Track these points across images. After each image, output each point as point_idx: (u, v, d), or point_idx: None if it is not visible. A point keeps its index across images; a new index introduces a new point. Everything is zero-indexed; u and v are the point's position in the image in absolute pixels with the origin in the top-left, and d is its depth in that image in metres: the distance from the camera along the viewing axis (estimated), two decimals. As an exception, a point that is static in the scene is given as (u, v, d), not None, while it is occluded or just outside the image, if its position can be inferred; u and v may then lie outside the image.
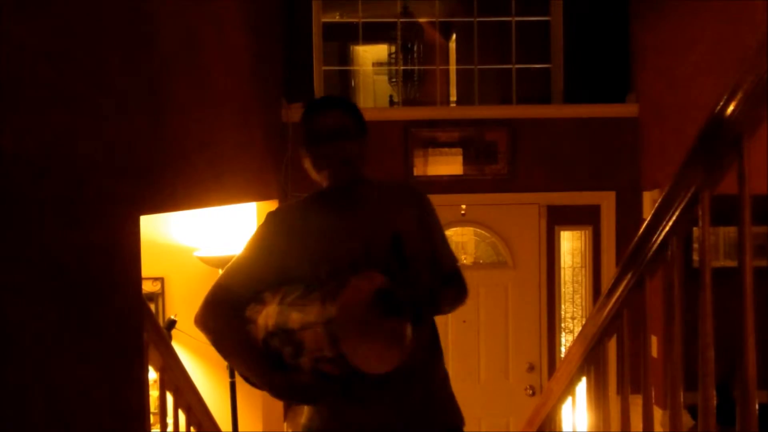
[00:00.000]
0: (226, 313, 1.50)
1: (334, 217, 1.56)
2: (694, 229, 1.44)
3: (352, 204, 1.58)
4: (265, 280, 1.51)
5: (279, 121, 3.58)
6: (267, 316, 1.44)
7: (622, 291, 1.74)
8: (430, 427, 1.58)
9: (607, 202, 3.76)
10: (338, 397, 1.51)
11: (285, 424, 3.50)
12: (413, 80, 4.72)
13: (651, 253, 1.56)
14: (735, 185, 1.20)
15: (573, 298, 3.91)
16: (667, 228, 1.47)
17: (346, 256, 1.49)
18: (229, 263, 1.56)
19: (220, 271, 3.12)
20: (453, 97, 4.70)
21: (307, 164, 1.56)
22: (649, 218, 1.54)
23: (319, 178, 1.56)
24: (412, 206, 1.65)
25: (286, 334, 1.39)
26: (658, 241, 1.52)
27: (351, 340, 1.33)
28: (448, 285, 1.68)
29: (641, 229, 1.59)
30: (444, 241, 1.72)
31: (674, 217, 1.44)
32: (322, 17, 3.95)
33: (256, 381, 1.49)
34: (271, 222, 1.57)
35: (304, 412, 1.63)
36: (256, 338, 1.45)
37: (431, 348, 1.63)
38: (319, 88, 3.90)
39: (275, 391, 1.47)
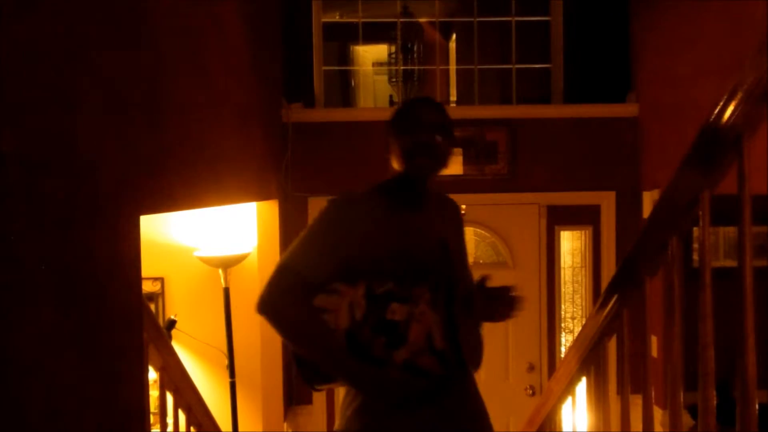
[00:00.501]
0: (301, 299, 1.42)
1: (407, 214, 1.56)
2: (694, 229, 1.44)
3: (419, 203, 1.60)
4: (334, 267, 1.45)
5: (279, 121, 3.58)
6: (354, 305, 1.40)
7: (622, 291, 1.74)
8: None
9: (607, 202, 3.75)
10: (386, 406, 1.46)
11: (285, 424, 3.50)
12: (413, 80, 4.72)
13: (651, 253, 1.56)
14: (735, 185, 1.20)
15: (573, 298, 3.91)
16: (667, 228, 1.47)
17: (424, 255, 1.52)
18: (292, 248, 1.48)
19: (221, 272, 3.14)
20: (453, 97, 4.70)
21: (395, 150, 1.55)
22: (649, 218, 1.54)
23: (402, 167, 1.55)
24: (453, 217, 1.73)
25: (383, 325, 1.39)
26: (658, 241, 1.52)
27: (464, 336, 1.42)
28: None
29: (641, 229, 1.59)
30: (467, 259, 1.77)
31: (674, 217, 1.44)
32: (322, 17, 3.95)
33: (341, 376, 1.45)
34: (343, 208, 1.54)
35: (340, 415, 1.56)
36: (334, 329, 1.42)
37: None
38: (319, 88, 3.90)
39: (357, 383, 1.44)
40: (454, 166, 3.72)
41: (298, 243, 1.49)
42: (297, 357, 1.51)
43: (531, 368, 3.82)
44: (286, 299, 1.43)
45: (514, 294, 1.53)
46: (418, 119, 1.55)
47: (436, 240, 1.57)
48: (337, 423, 1.57)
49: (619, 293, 1.76)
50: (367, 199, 1.57)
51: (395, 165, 1.57)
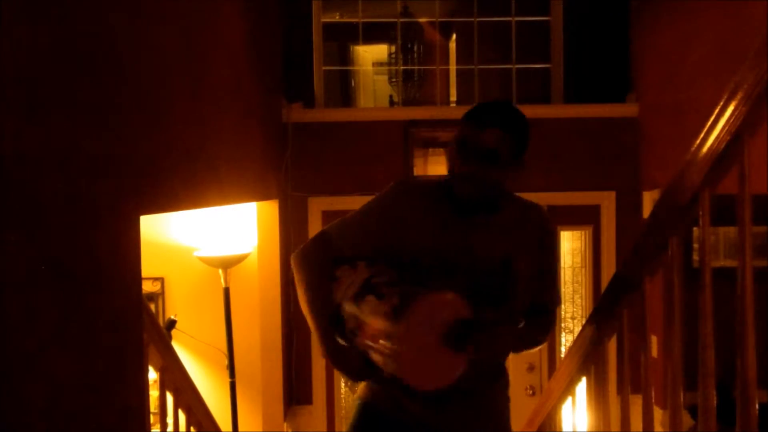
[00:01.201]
0: (321, 260, 1.51)
1: (455, 214, 1.49)
2: (694, 229, 1.44)
3: (476, 207, 1.50)
4: (363, 245, 1.51)
5: (279, 121, 3.58)
6: (351, 283, 1.44)
7: (622, 291, 1.74)
8: None
9: (607, 202, 3.75)
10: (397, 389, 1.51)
11: (285, 424, 3.50)
12: (413, 80, 4.71)
13: (651, 253, 1.56)
14: (735, 185, 1.20)
15: (573, 298, 3.91)
16: (667, 228, 1.48)
17: (451, 260, 1.45)
18: (341, 221, 1.56)
19: (221, 272, 3.14)
20: (453, 97, 4.70)
21: (448, 163, 1.49)
22: (649, 218, 1.54)
23: (452, 182, 1.48)
24: (535, 229, 1.55)
25: (354, 313, 1.41)
26: (658, 241, 1.52)
27: (407, 360, 1.32)
28: (532, 322, 1.55)
29: (641, 229, 1.59)
30: (553, 278, 1.61)
31: (674, 217, 1.44)
32: (322, 17, 3.95)
33: (316, 335, 1.51)
34: (396, 193, 1.54)
35: (361, 386, 1.64)
36: (333, 297, 1.46)
37: (492, 375, 1.60)
38: (319, 88, 3.90)
39: (326, 350, 1.49)
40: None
41: (349, 217, 1.56)
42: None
43: (531, 368, 3.82)
44: (312, 256, 1.54)
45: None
46: (477, 138, 1.42)
47: (492, 252, 1.47)
48: (358, 390, 1.66)
49: (619, 293, 1.76)
50: (426, 190, 1.54)
51: (448, 167, 1.50)
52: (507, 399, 1.67)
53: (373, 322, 1.35)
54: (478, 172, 1.42)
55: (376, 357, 1.36)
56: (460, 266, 1.45)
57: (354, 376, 1.54)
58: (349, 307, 1.41)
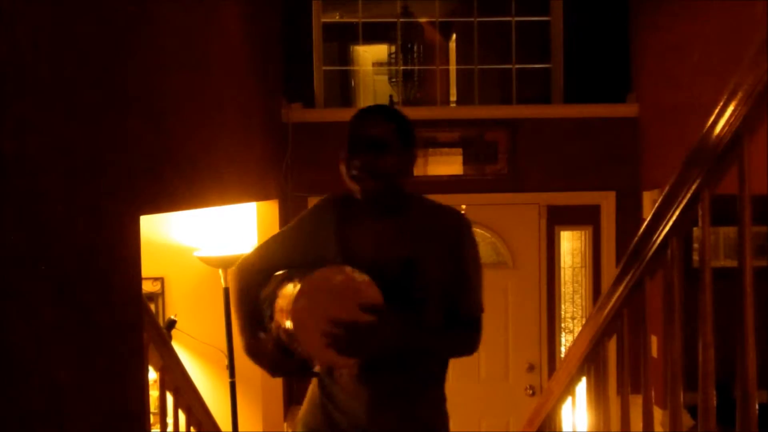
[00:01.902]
0: (245, 279, 1.63)
1: (357, 224, 1.55)
2: (694, 229, 1.44)
3: (377, 214, 1.54)
4: (281, 266, 1.59)
5: (279, 121, 3.58)
6: (270, 284, 1.55)
7: (622, 291, 1.74)
8: None
9: (607, 202, 3.75)
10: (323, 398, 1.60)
11: (285, 424, 3.50)
12: (413, 80, 4.71)
13: (651, 253, 1.56)
14: (735, 185, 1.20)
15: (573, 298, 3.91)
16: (667, 228, 1.48)
17: (360, 267, 1.44)
18: (274, 235, 1.69)
19: (221, 272, 3.14)
20: (453, 97, 4.70)
21: (342, 171, 1.51)
22: (649, 218, 1.54)
23: (349, 185, 1.51)
24: (448, 235, 1.52)
25: (270, 299, 1.49)
26: (658, 241, 1.52)
27: (309, 336, 1.35)
28: (456, 330, 1.56)
29: (641, 229, 1.59)
30: (474, 285, 1.57)
31: (674, 217, 1.44)
32: (322, 17, 3.95)
33: (241, 337, 1.60)
34: (309, 212, 1.65)
35: (301, 409, 1.70)
36: (258, 304, 1.57)
37: (421, 372, 1.58)
38: (319, 88, 3.90)
39: (243, 344, 1.57)
40: (454, 166, 3.72)
41: (278, 233, 1.69)
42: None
43: (531, 368, 3.82)
44: (237, 276, 1.66)
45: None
46: (354, 137, 1.48)
47: (397, 255, 1.48)
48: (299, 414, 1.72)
49: (619, 293, 1.76)
50: (333, 206, 1.60)
51: (347, 183, 1.53)
52: (440, 396, 1.66)
53: (280, 301, 1.43)
54: (371, 161, 1.45)
55: (284, 337, 1.41)
56: (370, 272, 1.43)
57: (271, 367, 1.52)
58: (267, 302, 1.50)
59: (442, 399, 1.67)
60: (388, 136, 1.47)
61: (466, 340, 1.59)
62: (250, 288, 1.60)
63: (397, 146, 1.48)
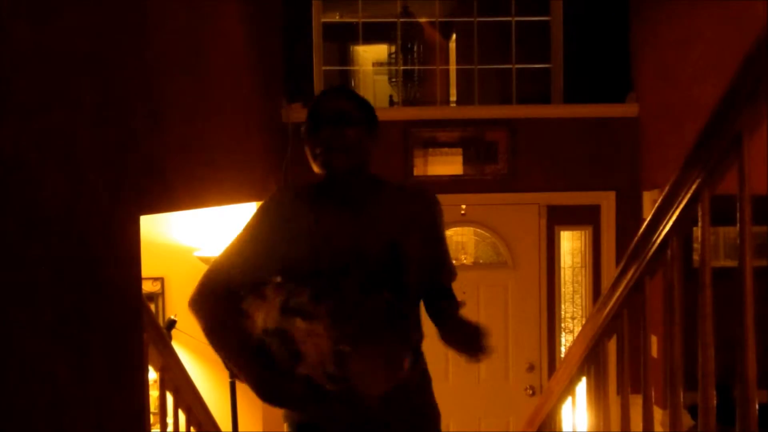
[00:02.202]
0: (222, 298, 1.43)
1: (331, 212, 1.49)
2: (694, 229, 1.44)
3: (351, 200, 1.51)
4: (260, 266, 1.45)
5: (279, 121, 3.58)
6: (267, 314, 1.39)
7: (622, 291, 1.74)
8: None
9: (607, 202, 3.76)
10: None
11: (285, 425, 3.50)
12: (413, 80, 4.71)
13: (651, 253, 1.56)
14: (735, 185, 1.20)
15: (573, 298, 3.91)
16: (667, 228, 1.48)
17: (341, 256, 1.44)
18: (226, 247, 1.50)
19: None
20: (453, 97, 4.70)
21: (307, 154, 1.49)
22: (649, 218, 1.54)
23: (315, 166, 1.48)
24: (422, 214, 1.56)
25: (287, 340, 1.36)
26: (658, 241, 1.52)
27: (358, 363, 1.33)
28: (438, 305, 1.60)
29: (641, 229, 1.59)
30: (447, 254, 1.64)
31: (674, 217, 1.44)
32: (322, 17, 3.95)
33: (242, 378, 1.43)
34: (267, 208, 1.52)
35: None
36: (250, 334, 1.39)
37: (415, 360, 1.57)
38: (319, 89, 3.90)
39: (262, 392, 1.41)
40: (454, 166, 3.72)
41: (232, 241, 1.50)
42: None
43: (531, 368, 3.82)
44: (208, 296, 1.45)
45: (484, 337, 1.46)
46: (318, 113, 1.45)
47: (379, 238, 1.48)
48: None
49: (619, 293, 1.76)
50: (299, 195, 1.53)
51: (314, 168, 1.49)
52: (426, 378, 1.64)
53: (314, 344, 1.33)
54: (338, 134, 1.43)
55: (322, 380, 1.34)
56: (352, 259, 1.44)
57: (299, 406, 1.47)
58: (276, 339, 1.36)
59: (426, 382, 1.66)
60: (352, 110, 1.47)
61: (454, 306, 1.61)
62: (229, 322, 1.41)
63: (361, 121, 1.48)
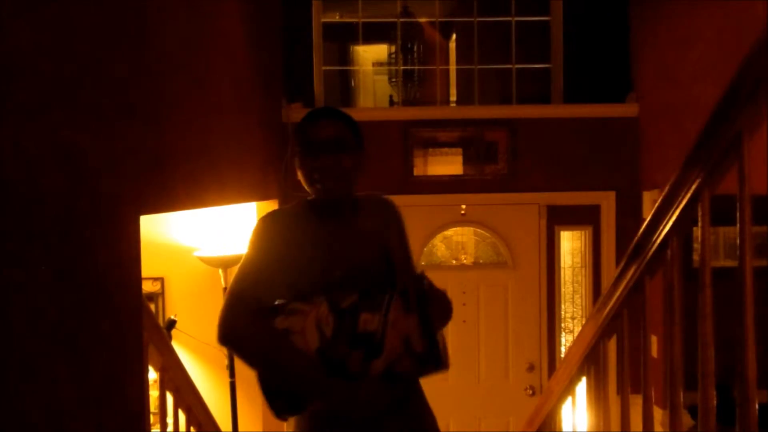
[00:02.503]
0: (258, 322, 1.40)
1: (326, 228, 1.53)
2: (694, 229, 1.44)
3: (342, 216, 1.56)
4: (274, 282, 1.46)
5: (279, 121, 3.58)
6: (321, 324, 1.37)
7: (622, 291, 1.74)
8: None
9: (607, 202, 3.76)
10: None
11: (285, 424, 3.50)
12: (413, 80, 4.71)
13: (651, 253, 1.56)
14: (735, 185, 1.20)
15: (573, 298, 3.91)
16: (667, 228, 1.48)
17: (346, 268, 1.48)
18: (236, 275, 1.48)
19: (221, 272, 3.14)
20: (453, 97, 4.70)
21: (300, 175, 1.51)
22: (649, 218, 1.54)
23: (311, 190, 1.52)
24: (393, 220, 1.65)
25: (359, 338, 1.36)
26: (658, 241, 1.52)
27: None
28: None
29: (641, 229, 1.59)
30: (411, 254, 1.73)
31: (674, 217, 1.44)
32: (322, 17, 3.95)
33: (309, 391, 1.40)
34: (265, 226, 1.52)
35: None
36: (304, 347, 1.37)
37: None
38: (319, 88, 3.90)
39: (334, 400, 1.38)
40: (454, 166, 3.72)
41: (240, 267, 1.48)
42: (265, 388, 1.46)
43: (531, 368, 3.82)
44: (242, 325, 1.40)
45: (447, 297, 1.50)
46: (312, 142, 1.46)
47: (375, 247, 1.56)
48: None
49: (619, 293, 1.76)
50: (292, 214, 1.55)
51: (306, 187, 1.52)
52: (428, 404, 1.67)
53: (396, 331, 1.37)
54: (334, 162, 1.46)
55: (404, 364, 1.38)
56: (356, 270, 1.49)
57: (370, 409, 1.43)
58: (347, 341, 1.36)
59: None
60: (345, 135, 1.50)
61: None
62: (277, 343, 1.39)
63: (353, 145, 1.51)
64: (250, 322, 1.40)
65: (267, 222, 1.53)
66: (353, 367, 1.37)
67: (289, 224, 1.53)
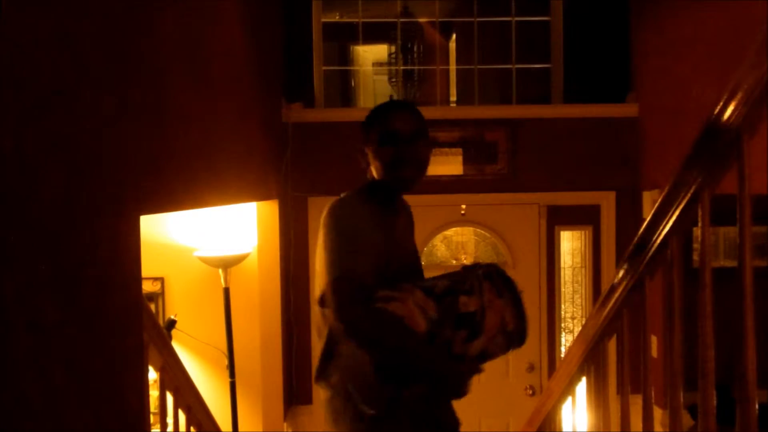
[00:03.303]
0: (378, 310, 1.36)
1: (390, 217, 1.58)
2: (694, 229, 1.44)
3: (395, 207, 1.62)
4: (373, 268, 1.39)
5: (279, 121, 3.58)
6: (424, 308, 1.37)
7: (622, 291, 1.74)
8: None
9: (607, 202, 3.75)
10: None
11: (285, 424, 3.50)
12: (413, 80, 4.71)
13: (651, 253, 1.56)
14: (735, 185, 1.20)
15: (573, 298, 3.91)
16: (667, 228, 1.47)
17: (409, 256, 1.62)
18: (329, 262, 1.37)
19: (221, 272, 3.14)
20: (453, 97, 4.70)
21: (375, 161, 1.51)
22: (649, 218, 1.54)
23: (385, 177, 1.51)
24: (412, 217, 1.77)
25: (462, 319, 1.40)
26: (658, 241, 1.52)
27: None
28: None
29: (641, 229, 1.59)
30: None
31: (674, 217, 1.44)
32: (322, 17, 3.95)
33: (427, 371, 1.42)
34: (349, 209, 1.46)
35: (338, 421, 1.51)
36: (414, 331, 1.37)
37: None
38: (319, 88, 3.90)
39: (445, 379, 1.44)
40: (454, 166, 3.72)
41: (330, 255, 1.38)
42: (381, 376, 1.40)
43: (531, 368, 3.81)
44: (362, 311, 1.35)
45: None
46: (399, 131, 1.49)
47: (414, 239, 1.73)
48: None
49: (619, 293, 1.76)
50: (361, 202, 1.51)
51: (375, 173, 1.53)
52: None
53: (493, 311, 1.44)
54: (417, 151, 1.52)
55: (500, 342, 1.46)
56: (413, 258, 1.67)
57: (463, 389, 1.49)
58: (450, 322, 1.40)
59: None
60: (423, 127, 1.56)
61: None
62: (394, 319, 1.36)
63: (428, 137, 1.58)
64: (372, 309, 1.35)
65: (345, 207, 1.47)
66: (457, 349, 1.41)
67: (371, 212, 1.48)
